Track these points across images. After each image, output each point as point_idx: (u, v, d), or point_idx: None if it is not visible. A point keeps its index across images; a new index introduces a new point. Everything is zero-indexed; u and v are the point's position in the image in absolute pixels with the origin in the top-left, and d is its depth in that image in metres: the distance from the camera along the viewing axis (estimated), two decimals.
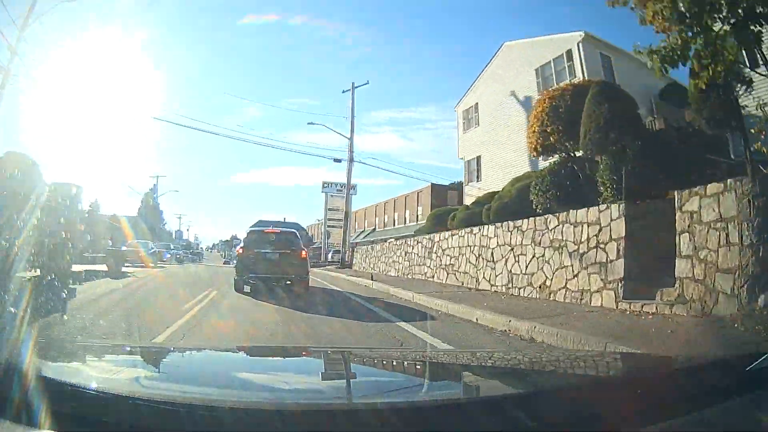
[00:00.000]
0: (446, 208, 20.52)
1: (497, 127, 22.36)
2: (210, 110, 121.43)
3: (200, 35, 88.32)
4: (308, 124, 28.39)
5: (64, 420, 0.93)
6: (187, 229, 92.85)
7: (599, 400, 1.10)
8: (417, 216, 41.95)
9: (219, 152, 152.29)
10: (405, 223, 43.71)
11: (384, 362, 1.99)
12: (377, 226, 49.22)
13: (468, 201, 23.02)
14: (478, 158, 23.27)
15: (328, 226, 39.54)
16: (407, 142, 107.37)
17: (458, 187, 42.72)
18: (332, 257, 39.25)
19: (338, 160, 24.90)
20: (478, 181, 22.88)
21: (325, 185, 40.03)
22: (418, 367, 1.87)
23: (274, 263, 10.77)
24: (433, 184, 40.45)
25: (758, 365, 1.19)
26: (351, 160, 26.06)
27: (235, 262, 12.72)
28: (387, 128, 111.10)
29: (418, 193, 41.97)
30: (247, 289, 10.91)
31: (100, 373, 1.42)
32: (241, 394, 1.27)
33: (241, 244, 11.80)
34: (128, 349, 2.33)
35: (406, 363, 1.98)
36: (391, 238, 36.48)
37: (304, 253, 11.35)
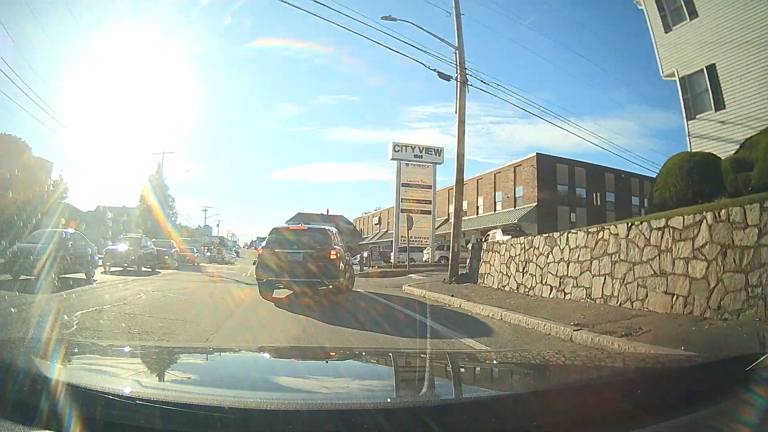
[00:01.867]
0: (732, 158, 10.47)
1: (737, 12, 12.16)
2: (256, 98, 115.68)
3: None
4: (382, 18, 13.35)
5: (95, 427, 0.92)
6: (217, 225, 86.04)
7: (598, 400, 1.08)
8: (514, 198, 31.61)
9: (256, 150, 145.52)
10: (494, 209, 33.46)
11: (419, 362, 1.94)
12: (450, 216, 39.07)
13: (698, 144, 12.82)
14: (710, 69, 12.94)
15: (401, 210, 27.15)
16: (449, 137, 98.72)
17: (569, 162, 32.23)
18: (400, 257, 26.17)
19: (446, 77, 14.23)
20: (717, 109, 12.60)
21: (397, 149, 27.25)
22: (450, 367, 1.83)
23: (298, 265, 9.38)
24: (538, 154, 30.20)
25: (758, 365, 1.17)
26: (464, 82, 13.82)
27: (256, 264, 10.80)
28: (427, 124, 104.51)
29: (515, 167, 31.69)
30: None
31: (129, 376, 1.42)
32: (272, 395, 1.18)
33: (263, 244, 10.38)
34: (155, 350, 2.27)
35: (439, 363, 1.88)
36: (495, 229, 26.51)
37: (333, 253, 9.65)
